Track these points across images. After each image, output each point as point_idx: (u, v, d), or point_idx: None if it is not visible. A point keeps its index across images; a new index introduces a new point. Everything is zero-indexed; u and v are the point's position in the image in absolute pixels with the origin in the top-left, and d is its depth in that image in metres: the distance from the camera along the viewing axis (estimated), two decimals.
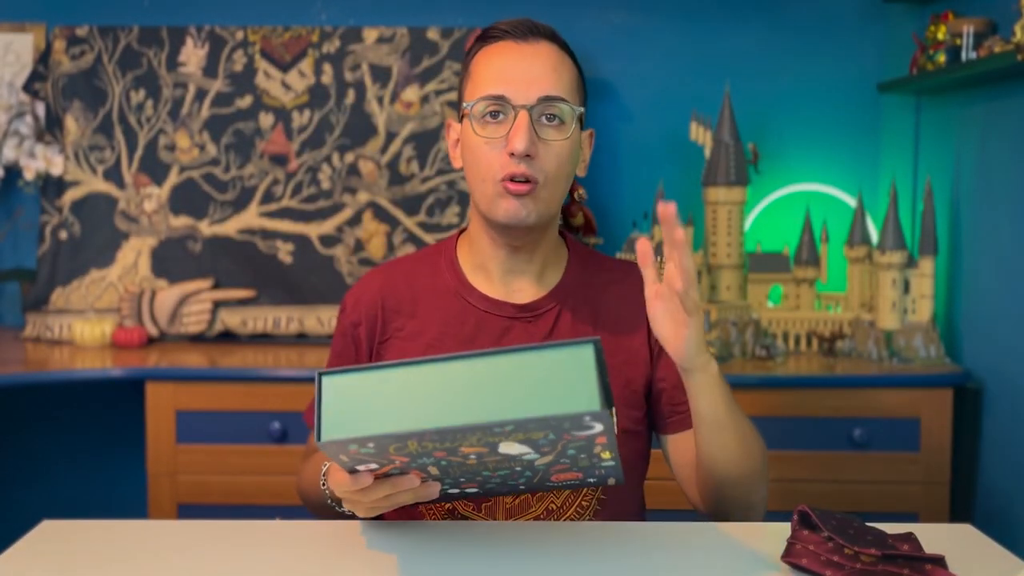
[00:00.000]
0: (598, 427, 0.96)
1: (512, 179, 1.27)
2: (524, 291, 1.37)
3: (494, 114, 1.28)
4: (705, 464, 1.28)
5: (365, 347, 1.38)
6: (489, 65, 1.31)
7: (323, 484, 1.25)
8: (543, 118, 1.27)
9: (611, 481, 1.14)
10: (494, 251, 1.36)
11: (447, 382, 0.96)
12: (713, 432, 1.24)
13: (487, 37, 1.34)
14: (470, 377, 0.96)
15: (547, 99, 1.27)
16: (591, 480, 1.13)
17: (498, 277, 1.37)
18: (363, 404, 0.97)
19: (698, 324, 1.14)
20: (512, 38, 1.31)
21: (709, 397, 1.21)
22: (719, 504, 1.31)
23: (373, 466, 1.05)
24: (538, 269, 1.38)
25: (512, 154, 1.26)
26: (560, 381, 0.94)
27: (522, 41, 1.31)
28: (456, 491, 1.15)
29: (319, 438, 0.97)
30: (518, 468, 1.06)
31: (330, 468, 1.19)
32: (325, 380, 0.99)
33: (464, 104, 1.31)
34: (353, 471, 1.06)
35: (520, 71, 1.28)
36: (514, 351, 0.96)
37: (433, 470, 1.06)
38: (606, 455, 1.04)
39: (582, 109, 1.31)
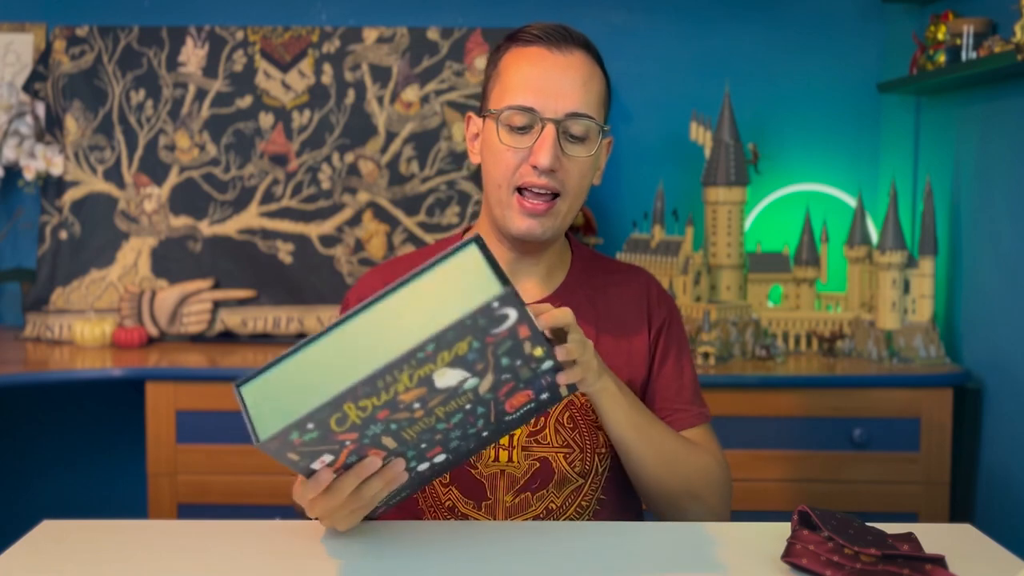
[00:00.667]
0: (512, 314, 0.94)
1: (530, 190, 1.27)
2: (527, 292, 1.38)
3: (522, 128, 1.28)
4: (631, 478, 1.32)
5: None
6: (519, 71, 1.29)
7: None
8: (569, 134, 1.28)
9: (563, 391, 1.10)
10: (500, 252, 1.37)
11: (358, 337, 0.95)
12: (623, 449, 1.28)
13: (519, 39, 1.32)
14: (376, 323, 0.95)
15: (575, 115, 1.27)
16: (544, 397, 1.10)
17: None
18: (287, 392, 0.96)
19: (586, 360, 1.12)
20: (545, 45, 1.29)
21: (611, 416, 1.24)
22: (659, 516, 1.35)
23: (328, 458, 1.01)
24: (543, 271, 1.38)
25: (535, 166, 1.26)
26: (458, 287, 0.94)
27: (555, 50, 1.29)
28: (425, 466, 1.11)
29: (257, 441, 0.95)
30: (467, 406, 1.03)
31: (295, 484, 1.15)
32: (243, 389, 0.98)
33: (492, 110, 1.31)
34: (310, 473, 1.03)
35: (551, 83, 1.27)
36: (404, 281, 0.96)
37: (388, 442, 1.02)
38: (538, 352, 1.02)
39: (608, 127, 1.32)
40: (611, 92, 1.36)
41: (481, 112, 1.35)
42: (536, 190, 1.27)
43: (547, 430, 1.32)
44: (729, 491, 1.38)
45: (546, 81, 1.27)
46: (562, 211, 1.30)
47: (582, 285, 1.40)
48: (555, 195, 1.29)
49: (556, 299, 1.37)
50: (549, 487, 1.32)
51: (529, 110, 1.27)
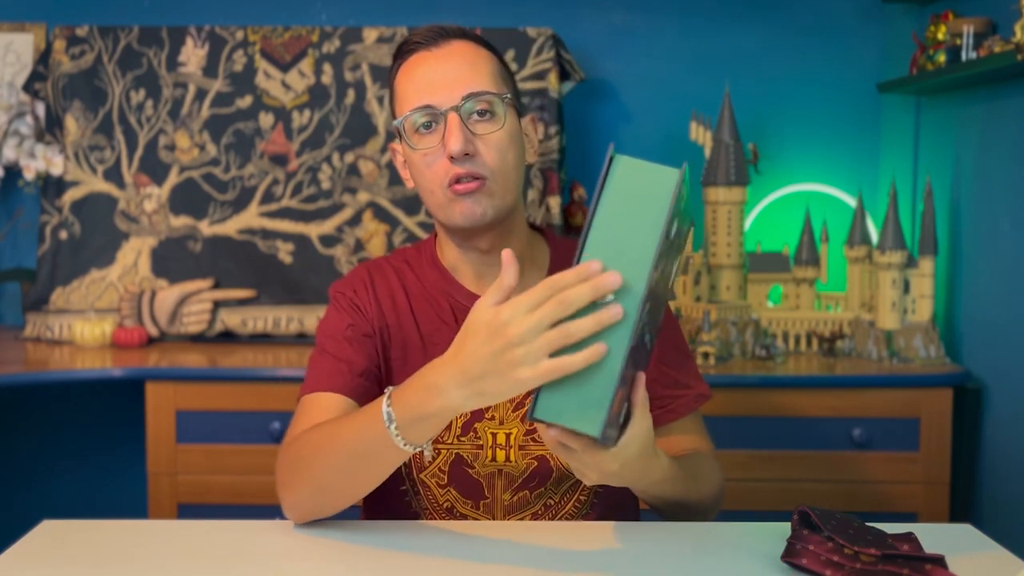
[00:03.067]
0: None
1: (458, 181, 1.26)
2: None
3: (426, 125, 1.27)
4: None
5: (379, 335, 1.35)
6: (409, 79, 1.30)
7: (387, 408, 1.09)
8: (474, 115, 1.27)
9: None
10: (466, 256, 1.35)
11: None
12: (652, 505, 1.28)
13: (402, 53, 1.34)
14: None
15: (472, 95, 1.27)
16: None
17: (473, 281, 1.37)
18: (581, 383, 0.98)
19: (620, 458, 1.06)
20: (424, 48, 1.31)
21: (645, 500, 1.24)
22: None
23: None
24: None
25: (452, 158, 1.25)
26: (641, 192, 1.00)
27: (434, 47, 1.30)
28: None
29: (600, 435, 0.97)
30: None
31: (399, 388, 1.09)
32: (539, 416, 0.99)
33: (395, 122, 1.31)
34: None
35: (439, 76, 1.28)
36: (589, 225, 1.00)
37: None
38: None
39: (509, 96, 1.30)
40: (510, 70, 1.36)
41: (397, 137, 1.35)
42: (462, 180, 1.27)
43: None
44: (723, 489, 1.38)
45: (433, 76, 1.28)
46: (495, 191, 1.28)
47: None
48: (483, 178, 1.27)
49: None
50: (547, 484, 1.32)
51: (426, 107, 1.27)
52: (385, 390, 1.13)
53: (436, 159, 1.27)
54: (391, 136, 2.66)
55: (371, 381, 1.32)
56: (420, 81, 1.29)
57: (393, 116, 1.35)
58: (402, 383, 1.10)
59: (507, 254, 1.03)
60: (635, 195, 1.00)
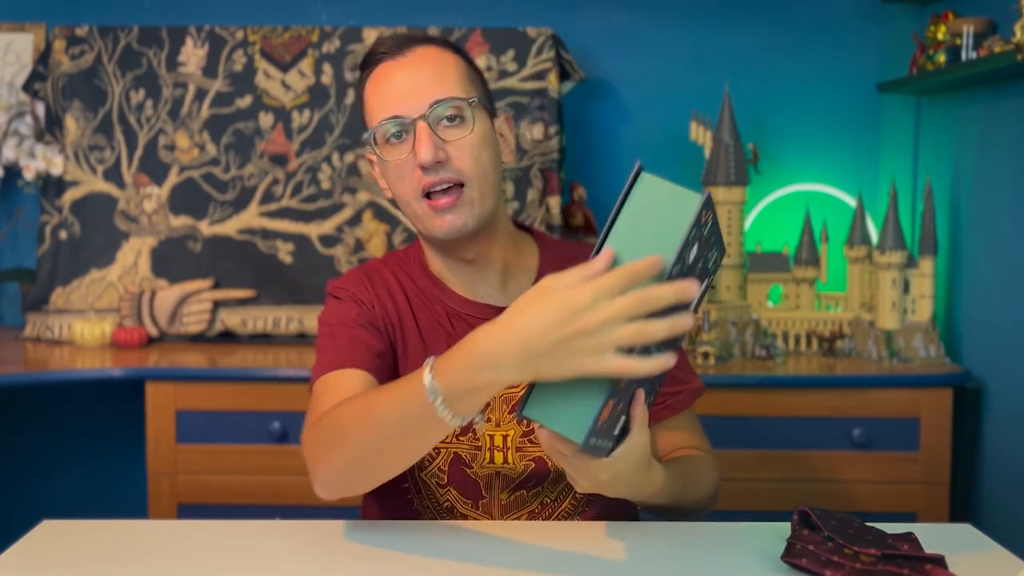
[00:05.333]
0: (710, 208, 1.01)
1: (432, 192, 1.26)
2: (492, 297, 1.35)
3: (396, 135, 1.26)
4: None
5: (385, 329, 1.33)
6: (376, 89, 1.30)
7: (431, 381, 1.01)
8: (443, 121, 1.26)
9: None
10: (451, 264, 1.35)
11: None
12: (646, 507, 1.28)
13: (368, 64, 1.33)
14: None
15: (438, 102, 1.25)
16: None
17: (463, 288, 1.36)
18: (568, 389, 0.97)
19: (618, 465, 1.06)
20: (389, 57, 1.30)
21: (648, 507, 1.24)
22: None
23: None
24: (498, 277, 1.35)
25: (423, 167, 1.24)
26: (659, 213, 0.98)
27: (399, 56, 1.29)
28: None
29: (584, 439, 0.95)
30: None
31: (441, 359, 1.02)
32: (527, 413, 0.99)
33: (365, 135, 1.30)
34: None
35: (404, 85, 1.27)
36: (603, 239, 0.98)
37: None
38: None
39: (475, 98, 1.29)
40: (479, 72, 1.35)
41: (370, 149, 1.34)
42: (438, 188, 1.26)
43: None
44: (719, 485, 1.37)
45: (399, 86, 1.27)
46: (474, 197, 1.27)
47: None
48: (460, 185, 1.26)
49: None
50: (544, 484, 1.33)
51: (394, 118, 1.26)
52: (425, 362, 1.04)
53: (408, 170, 1.26)
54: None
55: (387, 365, 1.30)
56: (387, 92, 1.28)
57: (364, 127, 1.34)
58: (444, 353, 1.03)
59: (607, 253, 0.97)
60: (655, 214, 0.98)
